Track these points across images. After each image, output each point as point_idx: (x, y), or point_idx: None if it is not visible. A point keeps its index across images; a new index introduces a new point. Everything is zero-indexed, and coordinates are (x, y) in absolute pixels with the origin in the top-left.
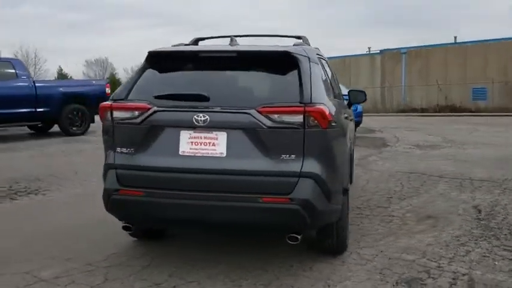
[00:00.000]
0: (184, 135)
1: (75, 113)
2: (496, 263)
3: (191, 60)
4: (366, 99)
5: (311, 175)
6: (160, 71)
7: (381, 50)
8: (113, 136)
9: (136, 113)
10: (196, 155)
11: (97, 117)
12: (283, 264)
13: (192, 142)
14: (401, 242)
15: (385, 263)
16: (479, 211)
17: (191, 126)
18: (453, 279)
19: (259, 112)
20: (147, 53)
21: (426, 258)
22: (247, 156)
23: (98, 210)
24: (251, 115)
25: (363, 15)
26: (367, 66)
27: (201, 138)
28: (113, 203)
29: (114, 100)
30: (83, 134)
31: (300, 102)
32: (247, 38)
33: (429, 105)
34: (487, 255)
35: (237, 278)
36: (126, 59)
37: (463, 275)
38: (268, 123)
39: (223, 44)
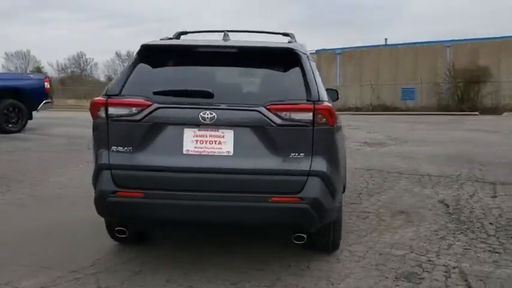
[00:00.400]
0: (189, 133)
1: (10, 109)
2: (479, 255)
3: (189, 55)
4: (338, 98)
5: (319, 173)
6: (155, 66)
7: (316, 50)
8: (107, 134)
9: (134, 109)
10: (202, 153)
11: (35, 114)
12: (281, 264)
13: (197, 140)
14: (386, 238)
15: (378, 259)
16: (447, 206)
17: (196, 124)
18: (446, 272)
19: (268, 109)
20: (140, 46)
21: (415, 253)
22: (255, 154)
23: (65, 212)
24: (260, 112)
25: (296, 16)
26: None
27: (206, 136)
28: (108, 206)
29: (109, 96)
30: (19, 131)
31: (308, 100)
32: (233, 33)
33: (363, 105)
34: (468, 248)
35: (239, 280)
36: (51, 53)
37: (454, 267)
38: (278, 120)
39: (218, 39)
